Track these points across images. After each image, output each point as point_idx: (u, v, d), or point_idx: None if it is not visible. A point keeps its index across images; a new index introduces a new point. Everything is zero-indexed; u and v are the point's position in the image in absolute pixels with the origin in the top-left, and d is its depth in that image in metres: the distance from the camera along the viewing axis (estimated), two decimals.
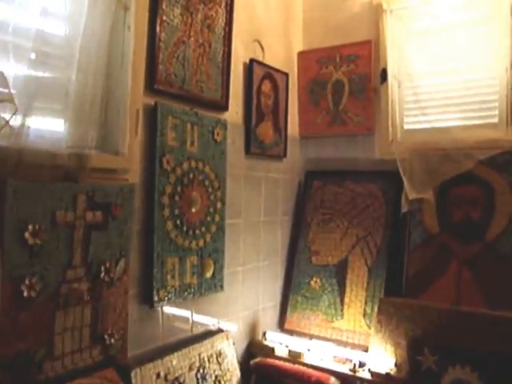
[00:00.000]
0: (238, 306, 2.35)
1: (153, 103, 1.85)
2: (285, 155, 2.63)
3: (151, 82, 1.85)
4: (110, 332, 1.67)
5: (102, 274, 1.63)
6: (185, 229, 1.98)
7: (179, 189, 1.95)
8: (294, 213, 2.77)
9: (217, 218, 2.14)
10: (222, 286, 2.19)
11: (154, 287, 1.85)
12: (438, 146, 2.32)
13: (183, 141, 1.97)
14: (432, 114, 2.45)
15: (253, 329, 2.43)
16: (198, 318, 2.09)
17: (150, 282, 1.85)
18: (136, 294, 1.82)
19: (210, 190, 2.11)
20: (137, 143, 1.77)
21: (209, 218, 2.10)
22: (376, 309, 2.26)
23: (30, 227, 1.42)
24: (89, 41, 1.59)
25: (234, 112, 2.30)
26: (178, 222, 1.95)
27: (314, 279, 2.55)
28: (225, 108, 2.21)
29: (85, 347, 1.60)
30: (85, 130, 1.57)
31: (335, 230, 2.58)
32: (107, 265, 1.65)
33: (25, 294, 1.41)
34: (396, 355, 2.05)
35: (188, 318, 2.05)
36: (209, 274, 2.11)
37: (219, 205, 2.16)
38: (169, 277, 1.92)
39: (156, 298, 1.86)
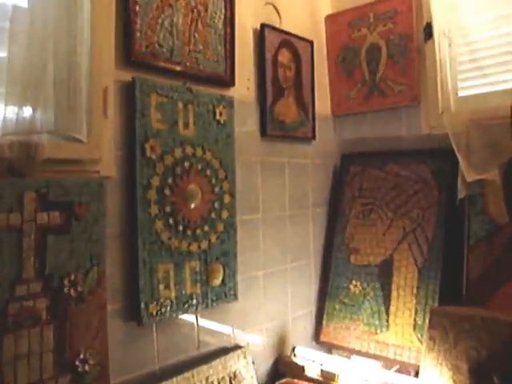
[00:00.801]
0: (260, 317, 1.95)
1: (130, 79, 1.51)
2: (313, 137, 2.20)
3: (127, 54, 1.49)
4: (82, 357, 1.35)
5: (67, 288, 1.32)
6: (181, 229, 1.61)
7: (170, 181, 1.58)
8: (328, 204, 2.32)
9: (224, 214, 1.77)
10: (235, 295, 1.81)
11: (140, 301, 1.51)
12: (501, 113, 1.80)
13: (173, 123, 1.60)
14: (493, 75, 1.90)
15: (280, 343, 2.02)
16: (205, 333, 1.72)
17: (136, 294, 1.51)
18: (120, 309, 1.47)
19: (214, 180, 1.73)
20: (108, 127, 1.42)
21: (213, 215, 1.73)
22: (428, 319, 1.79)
23: None
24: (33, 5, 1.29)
25: (244, 88, 1.90)
26: (171, 220, 1.58)
27: (354, 282, 2.10)
28: (230, 83, 1.82)
29: (48, 377, 1.28)
30: (32, 112, 1.27)
31: (377, 223, 2.10)
32: (72, 277, 1.32)
33: None
34: (455, 383, 1.58)
35: (192, 335, 1.68)
36: (217, 282, 1.74)
37: (227, 198, 1.78)
38: (161, 287, 1.56)
39: (144, 314, 1.51)
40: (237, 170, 1.81)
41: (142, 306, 1.49)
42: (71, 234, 1.31)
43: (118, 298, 1.47)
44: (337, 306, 2.12)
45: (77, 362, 1.32)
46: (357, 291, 2.06)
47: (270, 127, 1.96)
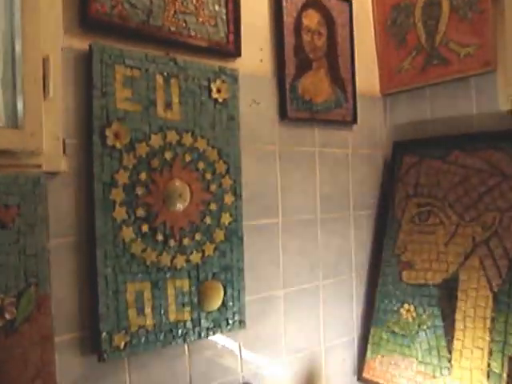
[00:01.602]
0: (280, 348, 1.52)
1: (87, 47, 1.18)
2: (354, 120, 1.71)
3: (82, 15, 1.17)
4: None
5: None
6: (160, 238, 1.22)
7: (144, 176, 1.20)
8: (374, 205, 1.81)
9: (225, 218, 1.36)
10: (241, 322, 1.39)
11: (101, 330, 1.16)
12: None
13: (149, 102, 1.21)
14: None
15: (309, 380, 1.60)
16: (202, 369, 1.35)
17: (96, 321, 1.18)
18: (75, 340, 1.13)
19: (209, 176, 1.33)
20: (52, 110, 1.08)
21: (209, 220, 1.31)
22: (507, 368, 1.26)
23: None
24: None
25: (255, 59, 1.47)
26: (146, 227, 1.20)
27: (406, 306, 1.59)
28: (234, 53, 1.39)
29: None
30: None
31: (438, 230, 1.57)
32: None
33: None
34: None
35: (182, 371, 1.28)
36: (214, 305, 1.34)
37: (229, 198, 1.37)
38: (132, 313, 1.19)
39: (107, 346, 1.15)
40: (245, 162, 1.39)
41: (104, 336, 1.13)
42: None
43: (73, 327, 1.12)
44: (384, 335, 1.63)
45: None
46: (410, 318, 1.56)
47: (291, 108, 1.53)
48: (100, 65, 1.14)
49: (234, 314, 1.36)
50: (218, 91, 1.34)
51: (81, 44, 1.14)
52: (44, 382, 1.06)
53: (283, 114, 1.51)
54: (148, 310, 1.20)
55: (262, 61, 1.48)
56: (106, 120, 1.14)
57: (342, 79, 1.67)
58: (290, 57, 1.52)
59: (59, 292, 1.10)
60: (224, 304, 1.34)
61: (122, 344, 1.16)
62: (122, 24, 1.19)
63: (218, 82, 1.34)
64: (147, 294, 1.20)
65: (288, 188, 1.53)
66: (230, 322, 1.36)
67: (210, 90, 1.32)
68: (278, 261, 1.50)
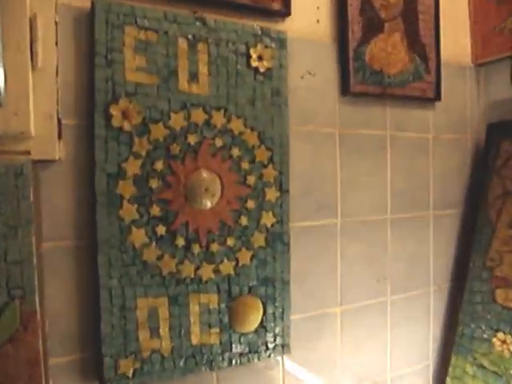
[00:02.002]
0: (334, 378, 1.20)
1: (89, 4, 0.93)
2: (437, 97, 1.32)
3: None
4: None
5: None
6: (181, 243, 0.97)
7: (161, 165, 0.94)
8: (462, 203, 1.42)
9: (267, 218, 1.06)
10: (285, 346, 1.10)
11: (104, 354, 0.93)
12: None
13: (168, 73, 0.94)
14: None
15: None
16: None
17: (98, 343, 0.96)
18: (77, 362, 0.92)
19: (247, 165, 1.04)
20: (43, 83, 0.83)
21: (245, 221, 1.04)
22: None
23: None
24: None
25: (310, 19, 1.15)
26: (162, 229, 0.95)
27: (501, 336, 1.21)
28: (281, 12, 1.08)
29: None
30: None
31: None
32: None
33: None
34: None
35: None
36: (250, 326, 1.06)
37: (272, 193, 1.08)
38: (143, 334, 0.95)
39: (111, 373, 0.91)
40: (294, 148, 1.10)
41: (107, 361, 0.90)
42: None
43: (72, 348, 0.91)
44: (470, 369, 1.28)
45: None
46: (505, 352, 1.18)
47: (356, 81, 1.20)
48: (105, 26, 0.89)
49: (275, 336, 1.09)
50: (260, 59, 1.05)
51: (82, 1, 0.91)
52: None
53: (345, 89, 1.18)
54: (164, 331, 0.96)
55: (318, 21, 1.17)
56: (111, 95, 0.90)
57: (422, 44, 1.30)
58: (355, 16, 1.19)
59: (55, 306, 0.89)
60: (263, 324, 1.07)
61: (131, 371, 0.93)
62: None
63: (260, 46, 1.05)
64: (163, 312, 0.96)
65: (350, 181, 1.21)
66: (270, 346, 1.08)
67: (248, 57, 1.03)
68: (334, 271, 1.20)
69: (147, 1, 0.95)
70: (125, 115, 0.91)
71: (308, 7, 1.14)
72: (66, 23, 0.89)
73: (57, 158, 0.88)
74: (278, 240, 1.08)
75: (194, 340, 0.99)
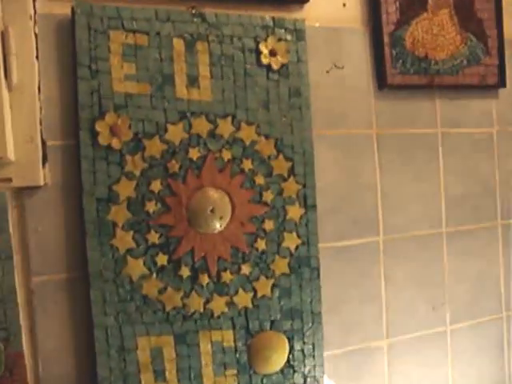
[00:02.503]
0: None
1: (66, 11, 0.81)
2: (502, 83, 1.07)
3: None
4: None
5: None
6: (186, 273, 0.82)
7: (158, 186, 0.81)
8: None
9: (290, 240, 0.89)
10: None
11: None
12: None
13: (163, 78, 0.81)
14: None
15: None
16: None
17: None
18: None
19: (261, 179, 0.87)
20: (20, 102, 0.73)
21: (262, 244, 0.87)
22: None
23: None
24: None
25: (335, 3, 0.95)
26: (163, 259, 0.81)
27: None
28: None
29: None
30: None
31: None
32: None
33: None
34: None
35: None
36: (274, 366, 0.89)
37: (295, 211, 0.90)
38: (146, 377, 0.81)
39: None
40: (321, 155, 0.92)
41: None
42: None
43: None
44: None
45: None
46: None
47: (395, 70, 0.99)
48: (87, 32, 0.78)
49: (305, 377, 0.91)
50: (272, 54, 0.89)
51: (63, 7, 0.80)
52: None
53: (382, 81, 0.97)
54: (171, 374, 0.82)
55: (345, 5, 0.97)
56: (98, 110, 0.79)
57: (478, 20, 1.06)
58: None
59: (49, 346, 0.79)
60: (289, 364, 0.90)
61: None
62: None
63: (271, 40, 0.89)
64: (169, 352, 0.83)
65: (393, 190, 1.00)
66: None
67: (258, 54, 0.88)
68: (377, 298, 1.00)
69: (136, 0, 0.83)
70: (113, 131, 0.79)
71: None
72: (46, 34, 0.78)
73: (41, 183, 0.78)
74: (305, 265, 0.91)
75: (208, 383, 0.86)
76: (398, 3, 0.98)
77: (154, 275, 0.82)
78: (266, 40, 0.88)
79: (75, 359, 0.81)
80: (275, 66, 0.88)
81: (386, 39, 0.97)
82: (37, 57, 0.77)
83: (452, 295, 1.05)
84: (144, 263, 0.81)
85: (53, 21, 0.79)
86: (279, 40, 0.89)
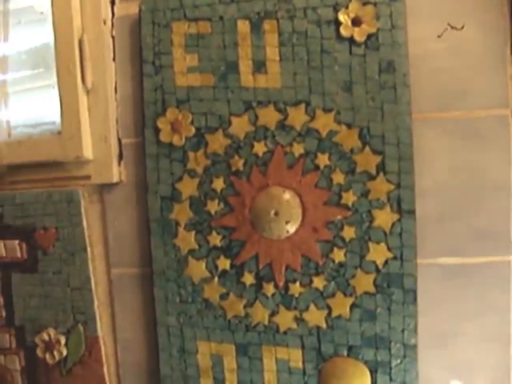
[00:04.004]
0: None
1: (137, 10, 0.77)
2: None
3: None
4: None
5: (40, 350, 0.81)
6: (249, 280, 0.73)
7: (220, 184, 0.73)
8: None
9: (377, 252, 0.69)
10: None
11: None
12: None
13: (227, 67, 0.72)
14: None
15: None
16: None
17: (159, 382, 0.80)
18: None
19: (341, 178, 0.69)
20: (95, 103, 0.74)
21: (340, 255, 0.70)
22: None
23: None
24: None
25: None
26: (224, 263, 0.73)
27: None
28: None
29: None
30: None
31: None
32: (45, 335, 0.80)
33: None
34: None
35: None
36: None
37: (385, 216, 0.68)
38: (206, 383, 0.77)
39: None
40: (426, 145, 0.69)
41: None
42: (40, 272, 0.79)
43: (140, 380, 0.82)
44: None
45: None
46: None
47: None
48: (151, 28, 0.74)
49: None
50: (356, 23, 0.69)
51: (135, 7, 0.78)
52: None
53: None
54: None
55: None
56: (161, 106, 0.75)
57: None
58: None
59: (125, 334, 0.81)
60: None
61: None
62: None
63: (354, 5, 0.68)
64: (229, 362, 0.75)
65: None
66: None
67: (338, 25, 0.71)
68: (506, 333, 0.71)
69: None
70: (174, 128, 0.74)
71: None
72: (122, 35, 0.78)
73: (117, 180, 0.79)
74: (396, 284, 0.70)
75: None
76: None
77: (216, 279, 0.75)
78: (347, 7, 0.69)
79: (146, 352, 0.81)
80: (359, 38, 0.68)
81: None
82: (114, 59, 0.79)
83: None
84: (205, 266, 0.75)
85: (127, 22, 0.78)
86: (364, 4, 0.69)
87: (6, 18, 0.86)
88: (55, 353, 0.79)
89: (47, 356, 0.79)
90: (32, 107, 0.83)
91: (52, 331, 0.79)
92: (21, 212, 0.78)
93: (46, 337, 0.79)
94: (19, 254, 0.79)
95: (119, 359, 0.81)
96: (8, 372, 0.82)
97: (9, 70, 0.87)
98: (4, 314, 0.81)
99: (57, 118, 0.79)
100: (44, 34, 0.83)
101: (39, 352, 0.80)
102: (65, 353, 0.79)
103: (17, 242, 0.78)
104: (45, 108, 0.82)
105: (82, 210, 0.76)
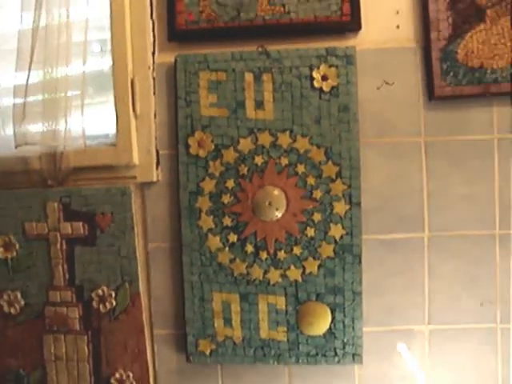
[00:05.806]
0: None
1: (172, 60, 1.07)
2: None
3: (171, 29, 1.04)
4: (118, 376, 1.09)
5: (95, 303, 1.08)
6: (250, 249, 1.03)
7: (232, 184, 1.04)
8: None
9: (335, 230, 1.02)
10: (356, 355, 1.03)
11: (187, 333, 1.07)
12: None
13: (236, 104, 1.02)
14: None
15: None
16: None
17: (183, 324, 1.09)
18: (173, 336, 1.10)
19: (312, 181, 1.01)
20: (143, 125, 1.03)
21: (312, 232, 1.02)
22: None
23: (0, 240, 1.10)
24: None
25: (389, 27, 1.01)
26: (233, 237, 1.04)
27: None
28: (351, 27, 1.00)
29: None
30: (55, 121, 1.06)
31: None
32: (100, 291, 1.07)
33: (5, 309, 1.11)
34: None
35: None
36: (317, 329, 1.03)
37: (341, 206, 1.01)
38: (219, 322, 1.06)
39: (193, 350, 1.06)
40: (369, 161, 1.02)
41: (190, 339, 1.06)
42: (98, 246, 1.06)
43: (169, 324, 1.09)
44: None
45: (112, 380, 1.09)
46: None
47: (445, 82, 0.99)
48: (184, 74, 1.03)
49: (344, 344, 1.03)
50: (324, 78, 1.01)
51: (170, 57, 1.06)
52: (141, 366, 1.09)
53: (431, 93, 1.00)
54: (236, 323, 1.05)
55: (398, 27, 1.02)
56: (190, 129, 1.04)
57: None
58: (442, 11, 0.99)
59: (158, 291, 1.09)
60: (331, 331, 1.04)
61: (208, 351, 1.05)
62: (210, 27, 1.04)
63: (323, 67, 1.01)
64: (235, 306, 1.05)
65: (440, 193, 1.02)
66: (339, 352, 1.04)
67: (312, 79, 1.02)
68: (420, 287, 1.04)
69: (218, 46, 1.04)
70: (200, 144, 1.04)
71: (385, 15, 1.02)
72: (161, 77, 1.07)
73: (155, 180, 1.07)
74: (348, 252, 1.02)
75: (263, 334, 1.05)
76: (450, 19, 0.99)
77: (227, 249, 1.04)
78: (318, 68, 1.01)
79: (174, 302, 1.09)
80: (326, 89, 1.01)
81: (436, 55, 0.99)
82: (154, 93, 1.07)
83: (504, 296, 1.02)
84: (220, 239, 1.04)
85: (164, 67, 1.07)
86: (330, 66, 1.01)
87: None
88: (107, 304, 1.06)
89: (101, 306, 1.06)
90: (90, 122, 1.09)
91: (105, 288, 1.06)
92: (85, 202, 1.05)
93: (100, 292, 1.06)
94: (82, 232, 1.05)
95: (152, 309, 1.09)
96: (69, 319, 1.08)
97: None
98: (67, 277, 1.07)
99: (110, 132, 1.07)
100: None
101: (95, 304, 1.06)
102: (114, 304, 1.06)
103: (81, 223, 1.05)
104: (99, 123, 1.09)
105: (132, 201, 1.04)
